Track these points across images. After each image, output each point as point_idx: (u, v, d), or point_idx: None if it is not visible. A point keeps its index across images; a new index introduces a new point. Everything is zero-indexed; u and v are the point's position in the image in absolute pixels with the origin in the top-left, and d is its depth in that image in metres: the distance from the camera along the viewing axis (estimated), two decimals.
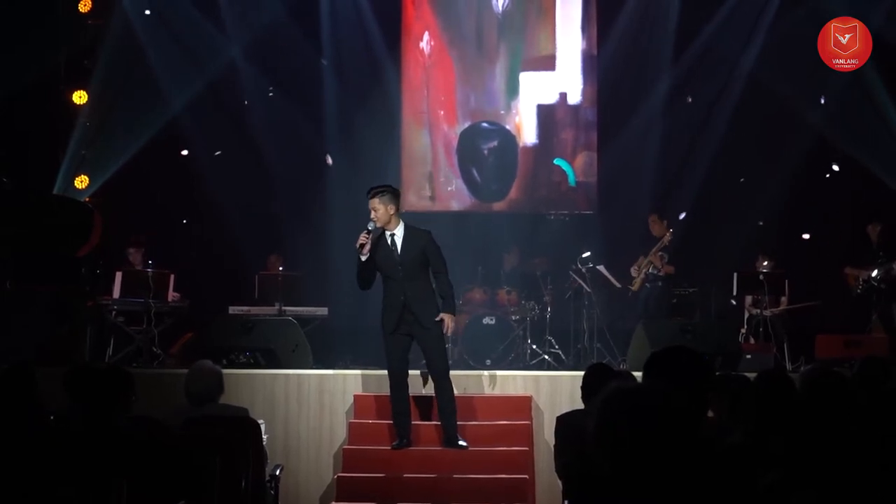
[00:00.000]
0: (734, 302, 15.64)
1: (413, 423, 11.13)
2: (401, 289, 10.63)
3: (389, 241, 10.66)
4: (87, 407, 6.42)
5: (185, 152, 17.25)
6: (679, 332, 12.86)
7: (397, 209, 10.75)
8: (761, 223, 16.75)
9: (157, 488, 6.14)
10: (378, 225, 10.61)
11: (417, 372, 11.28)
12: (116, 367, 7.74)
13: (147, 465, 6.16)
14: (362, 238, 10.50)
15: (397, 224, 10.70)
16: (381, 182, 15.68)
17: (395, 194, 10.81)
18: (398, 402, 10.86)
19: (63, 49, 16.27)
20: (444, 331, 10.77)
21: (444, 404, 10.85)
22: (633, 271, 15.65)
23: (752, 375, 6.22)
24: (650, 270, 15.50)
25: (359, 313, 15.71)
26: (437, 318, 10.67)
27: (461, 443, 10.88)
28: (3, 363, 10.12)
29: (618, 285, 15.76)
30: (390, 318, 10.69)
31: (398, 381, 10.79)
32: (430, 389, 11.14)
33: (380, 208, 10.58)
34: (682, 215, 16.30)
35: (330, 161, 10.00)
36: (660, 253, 15.47)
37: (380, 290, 10.92)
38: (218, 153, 17.21)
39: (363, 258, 10.53)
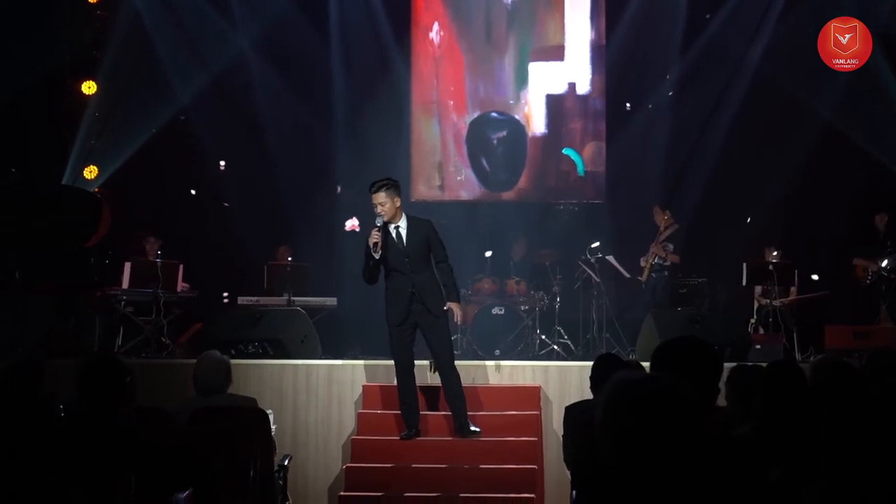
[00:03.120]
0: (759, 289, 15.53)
1: (421, 413, 11.11)
2: (409, 280, 10.60)
3: (395, 234, 10.61)
4: (87, 400, 6.41)
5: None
6: (688, 322, 12.84)
7: (400, 201, 10.72)
8: (749, 220, 16.67)
9: (163, 479, 6.13)
10: (385, 219, 10.55)
11: (426, 362, 11.24)
12: (111, 357, 7.73)
13: (152, 456, 6.15)
14: (374, 236, 10.44)
15: (401, 216, 10.65)
16: (391, 172, 15.72)
17: (397, 186, 10.73)
18: (405, 392, 10.84)
19: (72, 40, 16.26)
20: (454, 320, 10.74)
21: (453, 393, 10.82)
22: (643, 262, 15.68)
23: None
24: (655, 261, 15.53)
25: (368, 303, 15.73)
26: (444, 308, 10.64)
27: (473, 429, 10.85)
28: (8, 356, 10.17)
29: (627, 275, 15.78)
30: (397, 310, 10.65)
31: (405, 372, 10.77)
32: (436, 379, 11.11)
33: (386, 202, 10.49)
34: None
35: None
36: (663, 243, 15.49)
37: (384, 281, 10.87)
38: (223, 163, 17.21)
39: (377, 256, 10.49)
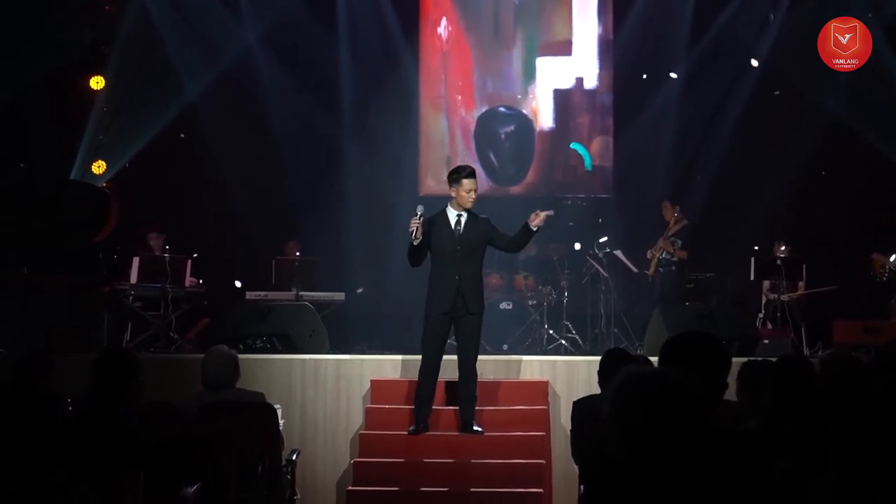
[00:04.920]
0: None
1: (433, 408, 11.07)
2: (456, 269, 10.55)
3: (454, 222, 10.62)
4: (98, 395, 6.41)
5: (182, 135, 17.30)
6: (696, 317, 12.81)
7: None
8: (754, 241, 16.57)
9: (171, 474, 6.14)
10: (469, 206, 10.59)
11: (454, 357, 11.11)
12: (125, 351, 7.74)
13: (160, 451, 6.16)
14: (413, 223, 10.41)
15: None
16: (400, 167, 15.71)
17: None
18: (425, 388, 10.78)
19: (80, 35, 16.27)
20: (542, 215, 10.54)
21: (469, 392, 10.79)
22: (649, 254, 15.67)
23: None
24: (663, 255, 15.52)
25: (376, 298, 15.75)
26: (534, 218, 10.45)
27: (476, 428, 10.84)
28: (16, 351, 10.17)
29: (635, 270, 15.77)
30: (441, 300, 10.59)
31: (430, 369, 10.71)
32: (446, 375, 11.05)
33: (476, 188, 10.67)
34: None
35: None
36: (671, 238, 15.47)
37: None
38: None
39: (415, 243, 10.46)
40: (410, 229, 10.39)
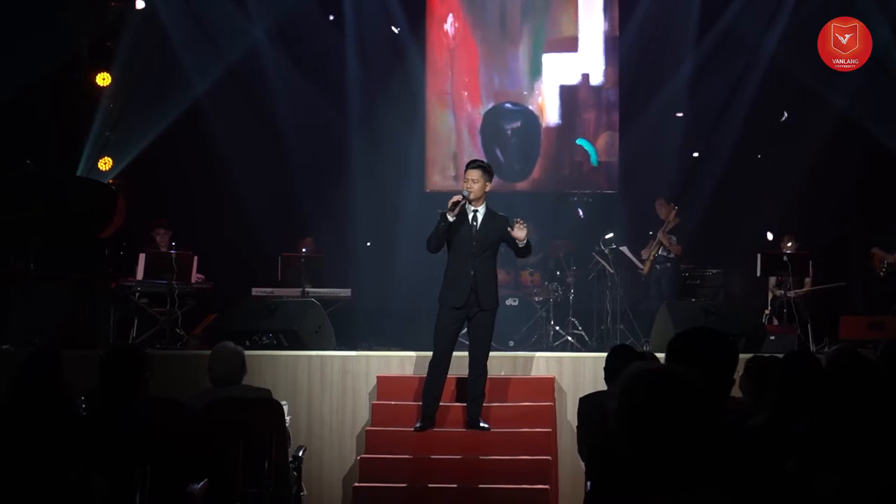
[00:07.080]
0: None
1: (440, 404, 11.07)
2: (471, 263, 10.59)
3: (471, 217, 10.64)
4: (106, 390, 6.41)
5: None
6: (702, 313, 12.81)
7: (489, 188, 10.77)
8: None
9: (178, 470, 6.14)
10: (471, 197, 10.60)
11: (463, 353, 11.10)
12: (133, 347, 7.74)
13: (167, 447, 6.16)
14: (457, 197, 10.49)
15: (483, 203, 10.71)
16: (407, 163, 15.67)
17: (492, 174, 10.88)
18: (433, 384, 10.77)
19: (86, 31, 16.28)
20: (520, 230, 10.57)
21: (478, 389, 10.79)
22: (644, 254, 15.68)
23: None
24: (660, 252, 15.53)
25: (382, 295, 15.73)
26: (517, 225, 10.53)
27: (482, 425, 10.85)
28: (24, 347, 10.17)
29: (641, 266, 15.76)
30: (457, 293, 10.62)
31: (440, 364, 10.70)
32: (455, 372, 11.05)
33: (479, 180, 10.61)
34: None
35: None
36: (669, 235, 15.49)
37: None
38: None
39: (451, 218, 10.49)
40: (454, 200, 10.44)
